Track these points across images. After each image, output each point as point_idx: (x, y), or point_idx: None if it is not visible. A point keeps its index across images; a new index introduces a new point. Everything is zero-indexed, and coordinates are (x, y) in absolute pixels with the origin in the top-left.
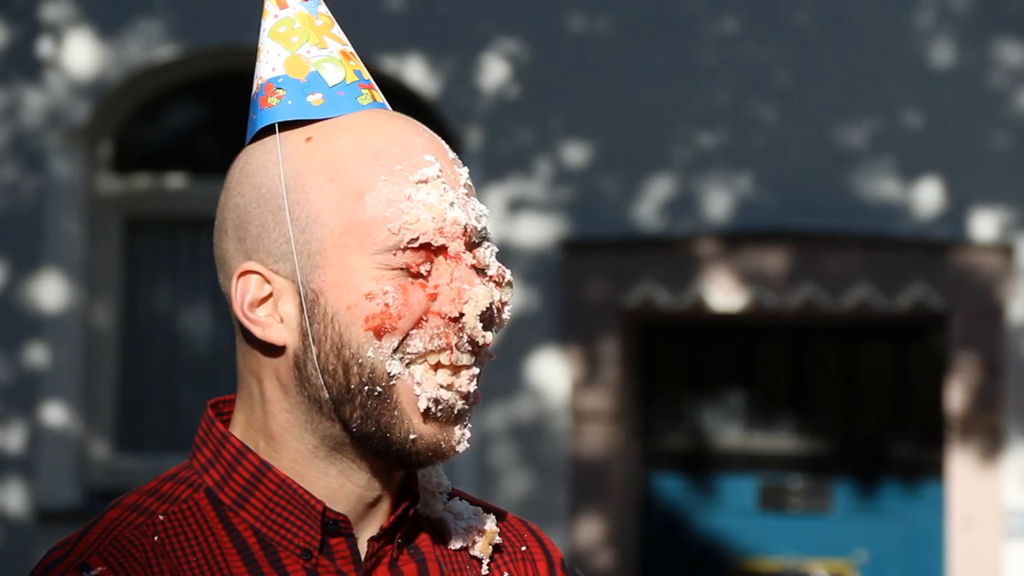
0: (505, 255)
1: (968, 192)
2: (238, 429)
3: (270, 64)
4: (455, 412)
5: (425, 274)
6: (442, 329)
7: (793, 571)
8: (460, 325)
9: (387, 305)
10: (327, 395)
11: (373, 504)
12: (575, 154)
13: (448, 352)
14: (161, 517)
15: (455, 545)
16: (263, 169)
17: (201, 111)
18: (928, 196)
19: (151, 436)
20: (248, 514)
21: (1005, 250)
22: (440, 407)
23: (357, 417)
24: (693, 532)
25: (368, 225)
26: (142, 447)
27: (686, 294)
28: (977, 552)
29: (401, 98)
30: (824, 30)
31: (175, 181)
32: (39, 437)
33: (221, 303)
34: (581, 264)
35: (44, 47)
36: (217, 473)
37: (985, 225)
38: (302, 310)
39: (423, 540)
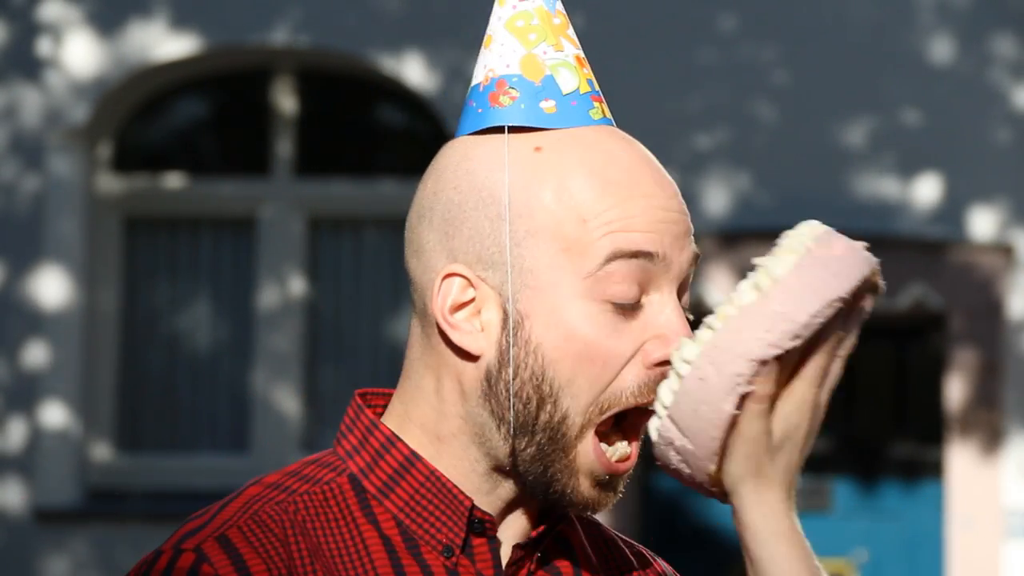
0: None
1: (967, 190)
2: (393, 420)
3: (504, 59)
4: (608, 484)
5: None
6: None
7: None
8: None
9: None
10: (512, 417)
11: (517, 513)
12: None
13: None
14: (303, 496)
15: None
16: (487, 171)
17: (201, 111)
18: (927, 194)
19: (151, 436)
20: (392, 504)
21: (1004, 249)
22: (608, 478)
23: (529, 454)
24: (692, 531)
25: (589, 250)
26: (142, 447)
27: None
28: (977, 551)
29: (400, 97)
30: (823, 28)
31: (175, 181)
32: (39, 437)
33: (221, 303)
34: None
35: (43, 46)
36: (363, 460)
37: (984, 224)
38: (504, 327)
39: (561, 560)
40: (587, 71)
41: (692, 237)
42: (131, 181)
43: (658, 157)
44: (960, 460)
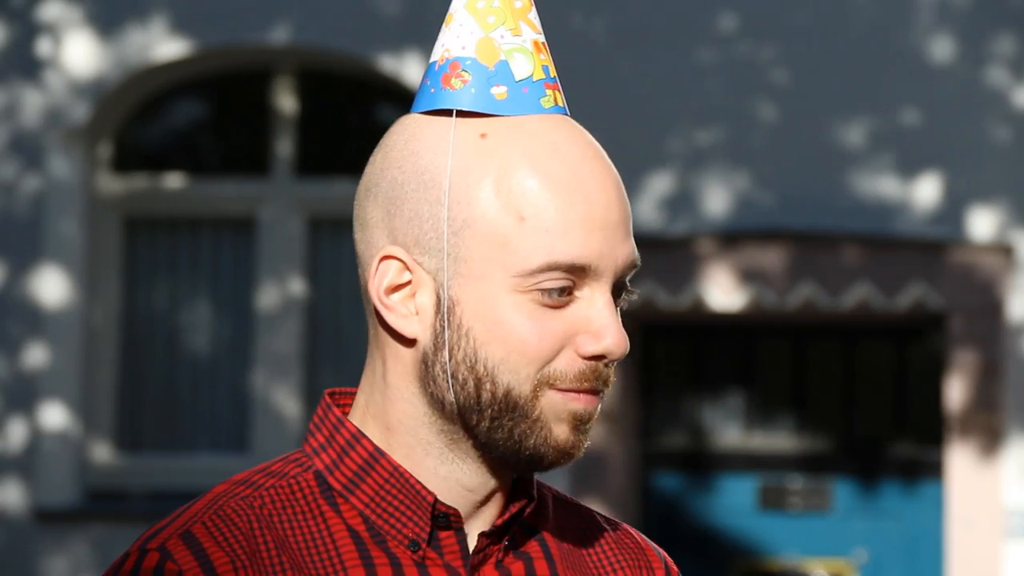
0: None
1: (967, 190)
2: (357, 413)
3: (461, 40)
4: (585, 423)
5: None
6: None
7: (793, 571)
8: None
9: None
10: (453, 399)
11: (483, 502)
12: None
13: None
14: (269, 490)
15: (564, 547)
16: (431, 154)
17: (201, 111)
18: (927, 194)
19: (151, 436)
20: (358, 500)
21: (1004, 249)
22: (583, 416)
23: (484, 427)
24: (692, 532)
25: (523, 251)
26: (142, 447)
27: (685, 293)
28: (977, 551)
29: (400, 97)
30: (822, 27)
31: (175, 181)
32: (39, 437)
33: (221, 303)
34: None
35: (43, 46)
36: (328, 457)
37: (984, 224)
38: (438, 311)
39: (531, 544)
40: (544, 57)
41: (632, 241)
42: (131, 181)
43: (656, 155)
44: (960, 461)
